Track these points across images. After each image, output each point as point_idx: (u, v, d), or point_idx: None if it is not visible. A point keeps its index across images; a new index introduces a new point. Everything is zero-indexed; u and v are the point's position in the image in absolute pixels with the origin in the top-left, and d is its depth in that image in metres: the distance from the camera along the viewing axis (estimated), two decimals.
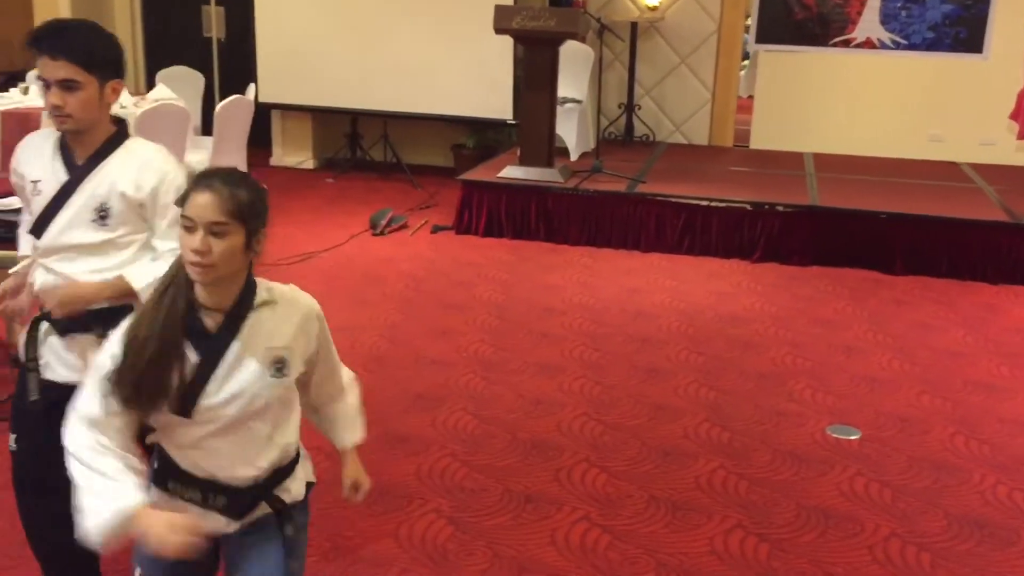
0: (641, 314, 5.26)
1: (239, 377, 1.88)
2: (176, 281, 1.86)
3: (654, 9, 8.32)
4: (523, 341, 4.82)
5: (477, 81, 7.89)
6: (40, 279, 2.39)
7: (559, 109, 7.05)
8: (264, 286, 1.94)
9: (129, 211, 2.33)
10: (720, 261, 6.30)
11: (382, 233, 6.71)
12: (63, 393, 2.01)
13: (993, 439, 3.89)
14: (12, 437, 2.42)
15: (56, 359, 2.38)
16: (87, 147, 2.33)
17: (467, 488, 3.40)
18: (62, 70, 2.19)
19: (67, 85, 2.21)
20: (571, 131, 7.64)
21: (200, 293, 1.86)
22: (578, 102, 7.77)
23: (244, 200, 1.83)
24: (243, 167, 6.87)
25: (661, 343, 4.84)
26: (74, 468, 1.82)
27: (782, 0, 8.15)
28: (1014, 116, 8.01)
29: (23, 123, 6.42)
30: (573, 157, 7.62)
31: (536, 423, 3.92)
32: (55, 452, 1.90)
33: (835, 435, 3.91)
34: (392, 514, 3.22)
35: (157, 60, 8.74)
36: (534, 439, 3.78)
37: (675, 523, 3.24)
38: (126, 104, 6.82)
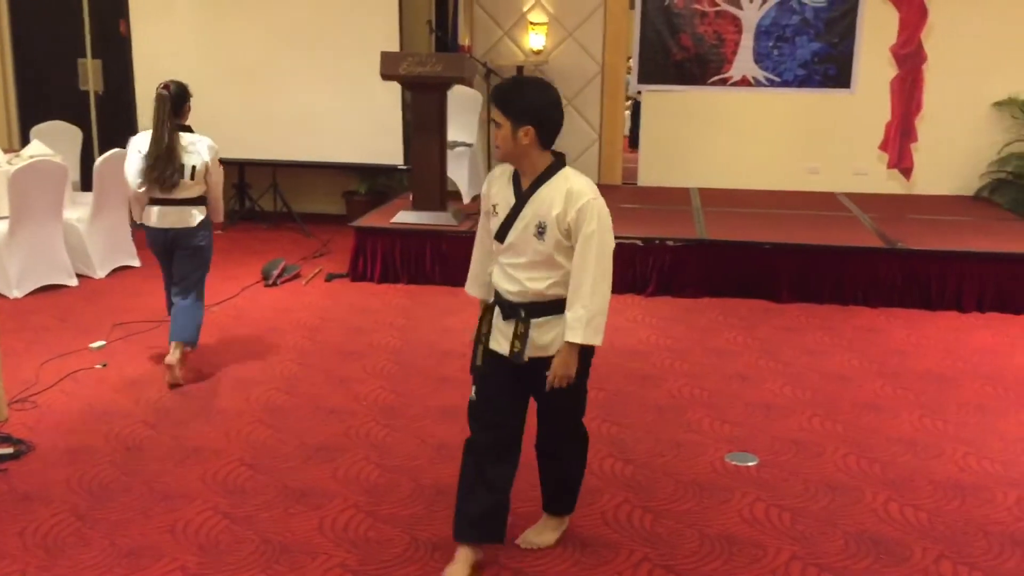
0: None
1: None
2: None
3: (538, 52, 8.48)
4: (423, 386, 4.78)
5: (367, 127, 7.88)
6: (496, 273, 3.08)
7: (450, 153, 7.09)
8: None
9: (558, 231, 2.93)
10: (615, 297, 6.29)
11: (275, 284, 6.60)
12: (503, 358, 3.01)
13: (882, 458, 4.03)
14: (473, 389, 3.13)
15: (500, 334, 3.06)
16: (527, 176, 3.01)
17: (372, 539, 3.34)
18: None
19: (495, 124, 2.97)
20: (463, 174, 7.69)
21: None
22: (468, 145, 7.83)
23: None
24: (127, 223, 6.68)
25: None
26: None
27: (661, 42, 8.43)
28: (884, 147, 8.44)
29: None
30: (466, 200, 7.66)
31: (441, 468, 3.88)
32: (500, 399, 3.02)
33: (734, 462, 3.98)
34: (295, 572, 3.12)
35: (32, 115, 8.46)
36: (439, 485, 3.74)
37: (584, 560, 3.23)
38: None
